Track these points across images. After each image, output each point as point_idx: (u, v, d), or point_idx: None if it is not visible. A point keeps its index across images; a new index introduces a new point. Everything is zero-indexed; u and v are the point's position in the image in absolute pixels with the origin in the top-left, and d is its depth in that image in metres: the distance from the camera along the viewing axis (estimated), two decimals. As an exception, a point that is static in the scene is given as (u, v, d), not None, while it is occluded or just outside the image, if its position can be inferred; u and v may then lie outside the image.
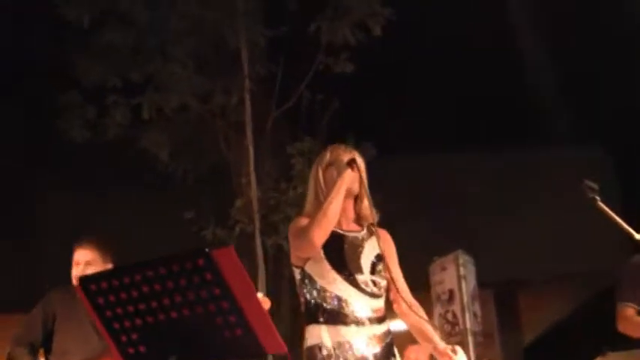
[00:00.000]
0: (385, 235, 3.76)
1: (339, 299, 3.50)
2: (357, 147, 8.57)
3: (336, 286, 3.52)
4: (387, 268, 3.62)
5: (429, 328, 3.69)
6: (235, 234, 8.28)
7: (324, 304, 3.51)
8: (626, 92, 10.99)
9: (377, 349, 3.51)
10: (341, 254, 3.54)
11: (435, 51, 10.05)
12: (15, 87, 9.79)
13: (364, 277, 3.55)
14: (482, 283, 9.45)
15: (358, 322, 3.49)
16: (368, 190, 3.65)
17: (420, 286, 8.79)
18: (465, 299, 8.44)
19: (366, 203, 3.66)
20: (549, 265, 11.40)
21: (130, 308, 2.72)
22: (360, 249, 3.61)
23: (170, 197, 9.39)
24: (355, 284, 3.52)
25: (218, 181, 8.97)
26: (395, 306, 3.71)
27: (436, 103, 10.77)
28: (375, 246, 3.65)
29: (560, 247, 11.16)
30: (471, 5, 9.64)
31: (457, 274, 8.48)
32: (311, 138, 8.71)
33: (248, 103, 8.15)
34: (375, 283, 3.57)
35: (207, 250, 2.57)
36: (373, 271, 3.59)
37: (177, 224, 8.61)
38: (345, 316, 3.49)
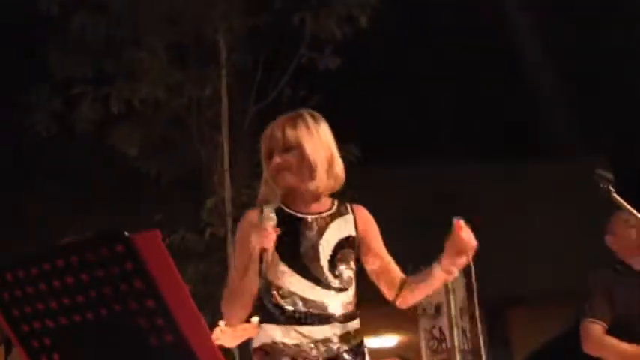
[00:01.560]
0: (362, 212, 3.19)
1: (291, 294, 2.97)
2: (341, 149, 8.18)
3: (285, 279, 2.98)
4: (366, 246, 3.11)
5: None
6: (206, 238, 7.76)
7: (274, 303, 2.98)
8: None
9: (336, 350, 2.99)
10: (294, 241, 3.00)
11: (428, 46, 9.66)
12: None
13: (321, 267, 3.01)
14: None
15: (314, 321, 2.97)
16: (330, 158, 3.09)
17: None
18: (454, 314, 7.94)
19: (318, 179, 3.07)
20: (544, 281, 11.08)
21: (40, 306, 2.27)
22: (320, 232, 3.06)
23: (141, 197, 8.91)
24: (310, 276, 2.99)
25: (191, 181, 8.47)
26: (388, 292, 3.18)
27: (429, 103, 10.38)
28: (344, 227, 3.10)
29: (556, 263, 10.84)
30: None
31: (445, 286, 7.97)
32: (291, 136, 8.17)
33: (224, 97, 7.65)
34: (335, 274, 3.02)
35: (126, 233, 2.13)
36: (334, 259, 3.04)
37: (147, 227, 8.11)
38: (299, 313, 2.97)
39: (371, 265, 3.17)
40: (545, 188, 11.30)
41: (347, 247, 3.09)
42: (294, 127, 3.10)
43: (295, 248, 3.00)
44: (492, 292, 10.97)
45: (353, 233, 3.10)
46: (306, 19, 8.00)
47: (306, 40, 8.16)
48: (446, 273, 3.00)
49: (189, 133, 8.27)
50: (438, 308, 8.07)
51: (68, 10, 7.97)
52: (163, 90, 7.78)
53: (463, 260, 2.95)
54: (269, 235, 2.89)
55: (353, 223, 3.12)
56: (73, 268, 2.18)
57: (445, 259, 2.96)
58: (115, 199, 9.60)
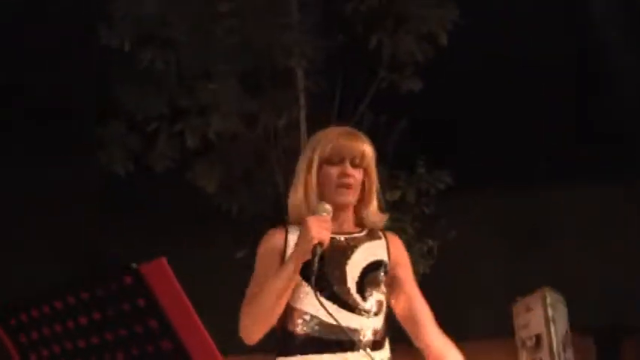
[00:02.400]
0: (395, 240, 2.89)
1: (313, 319, 2.67)
2: (430, 175, 7.81)
3: (307, 302, 2.67)
4: (395, 281, 2.81)
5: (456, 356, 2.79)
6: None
7: (294, 329, 2.68)
8: None
9: None
10: (320, 261, 2.65)
11: (516, 68, 9.19)
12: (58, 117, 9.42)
13: (348, 290, 2.71)
14: (581, 328, 8.63)
15: (335, 348, 2.65)
16: (380, 190, 2.84)
17: (502, 330, 8.03)
18: (555, 346, 7.37)
19: (374, 207, 2.82)
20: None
21: (56, 349, 2.18)
22: (349, 253, 2.76)
23: (222, 233, 8.67)
24: (335, 299, 2.67)
25: (273, 215, 8.19)
26: (417, 339, 2.83)
27: (522, 126, 9.89)
28: (376, 251, 2.81)
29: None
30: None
31: (545, 315, 7.42)
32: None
33: (303, 124, 7.36)
34: (364, 297, 2.67)
35: (133, 264, 2.02)
36: (362, 282, 2.71)
37: (229, 265, 7.88)
38: (321, 341, 2.65)
39: (400, 309, 2.83)
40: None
41: (377, 269, 2.78)
42: (369, 144, 2.82)
43: (321, 268, 2.65)
44: (605, 321, 10.45)
45: (384, 258, 2.82)
46: (384, 39, 7.63)
47: (385, 62, 7.81)
48: None
49: (268, 165, 7.99)
50: (538, 340, 7.52)
51: (138, 45, 7.80)
52: (237, 121, 7.51)
53: None
54: (329, 226, 2.61)
55: (385, 248, 2.86)
56: (84, 305, 2.07)
57: None
58: (194, 235, 9.46)
